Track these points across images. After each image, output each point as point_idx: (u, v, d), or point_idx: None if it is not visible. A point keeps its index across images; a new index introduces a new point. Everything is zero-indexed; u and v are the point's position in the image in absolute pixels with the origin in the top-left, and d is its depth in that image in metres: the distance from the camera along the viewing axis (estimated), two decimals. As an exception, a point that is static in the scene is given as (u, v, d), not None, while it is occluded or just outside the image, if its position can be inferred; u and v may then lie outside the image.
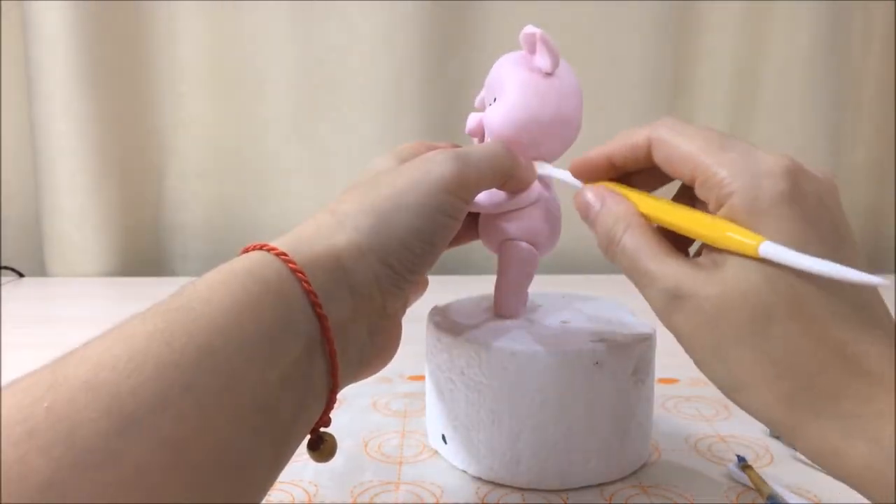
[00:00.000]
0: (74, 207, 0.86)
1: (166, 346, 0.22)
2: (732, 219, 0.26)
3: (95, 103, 0.84)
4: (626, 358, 0.37)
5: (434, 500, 0.37)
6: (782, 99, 0.91)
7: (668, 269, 0.27)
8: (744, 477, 0.38)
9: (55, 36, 0.81)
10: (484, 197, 0.37)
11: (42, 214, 0.87)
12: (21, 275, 0.88)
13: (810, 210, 0.25)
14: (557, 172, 0.36)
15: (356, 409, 0.47)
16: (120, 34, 0.86)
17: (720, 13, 0.90)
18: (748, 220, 0.25)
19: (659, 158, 0.29)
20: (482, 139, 0.38)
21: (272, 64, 0.88)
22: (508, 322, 0.40)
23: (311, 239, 0.29)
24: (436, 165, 0.31)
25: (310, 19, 0.86)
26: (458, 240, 0.39)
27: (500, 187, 0.36)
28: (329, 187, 0.89)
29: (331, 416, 0.29)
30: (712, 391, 0.51)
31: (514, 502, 0.37)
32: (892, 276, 0.68)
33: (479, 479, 0.39)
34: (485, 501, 0.37)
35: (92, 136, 0.85)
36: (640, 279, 0.28)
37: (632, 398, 0.38)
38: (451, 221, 0.32)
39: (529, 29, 0.36)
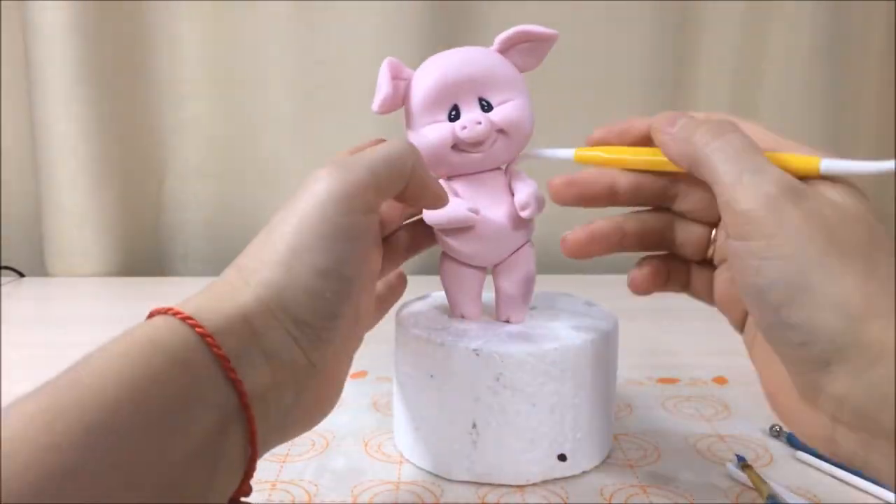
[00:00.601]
0: (75, 207, 0.86)
1: (46, 427, 0.20)
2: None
3: (96, 103, 0.84)
4: (586, 356, 0.38)
5: (434, 500, 0.37)
6: (782, 99, 0.91)
7: (779, 170, 0.27)
8: (744, 477, 0.38)
9: (55, 36, 0.81)
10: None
11: (42, 214, 0.87)
12: (21, 275, 0.88)
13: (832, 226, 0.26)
14: (557, 153, 0.36)
15: (356, 409, 0.47)
16: (120, 34, 0.86)
17: (720, 13, 0.90)
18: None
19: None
20: (482, 144, 0.37)
21: (272, 64, 0.88)
22: (473, 323, 0.40)
23: (220, 300, 0.27)
24: (316, 183, 0.29)
25: (310, 19, 0.86)
26: (414, 248, 0.39)
27: (402, 199, 0.32)
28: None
29: (251, 484, 0.27)
30: (712, 391, 0.51)
31: (514, 502, 0.37)
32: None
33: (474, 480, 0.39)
34: (485, 501, 0.37)
35: (92, 137, 0.85)
36: (751, 165, 0.27)
37: (592, 393, 0.39)
38: (358, 245, 0.29)
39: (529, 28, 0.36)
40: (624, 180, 0.34)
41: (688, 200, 0.33)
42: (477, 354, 0.37)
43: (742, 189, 0.27)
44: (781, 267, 0.26)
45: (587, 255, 0.34)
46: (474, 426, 0.37)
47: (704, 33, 0.91)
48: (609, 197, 0.34)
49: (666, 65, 0.91)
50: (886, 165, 0.27)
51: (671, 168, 0.32)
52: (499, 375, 0.37)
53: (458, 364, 0.37)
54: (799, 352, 0.26)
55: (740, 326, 0.32)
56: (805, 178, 0.28)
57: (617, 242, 0.34)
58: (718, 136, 0.29)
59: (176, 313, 0.25)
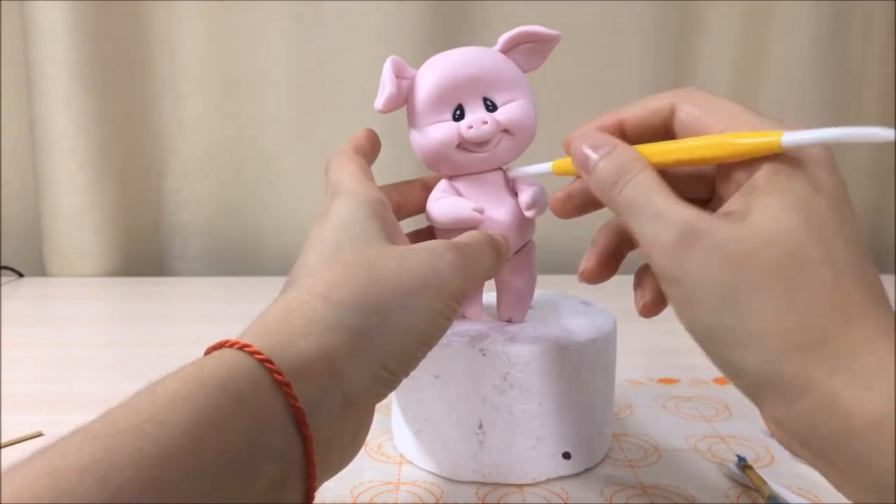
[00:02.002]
0: (74, 207, 0.86)
1: (100, 484, 0.19)
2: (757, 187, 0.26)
3: (95, 103, 0.84)
4: (589, 354, 0.38)
5: (434, 501, 0.37)
6: (782, 99, 0.91)
7: (682, 207, 0.26)
8: (744, 477, 0.38)
9: (55, 36, 0.81)
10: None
11: (42, 214, 0.87)
12: (21, 275, 0.88)
13: (835, 200, 0.25)
14: (535, 169, 0.36)
15: (356, 409, 0.47)
16: (120, 34, 0.86)
17: (720, 13, 0.90)
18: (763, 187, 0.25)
19: (680, 128, 0.28)
20: (487, 144, 0.36)
21: (272, 64, 0.88)
22: (475, 323, 0.40)
23: (301, 334, 0.25)
24: (445, 266, 0.29)
25: (310, 19, 0.86)
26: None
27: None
28: (329, 187, 0.89)
29: None
30: (712, 391, 0.51)
31: (514, 502, 0.37)
32: (892, 277, 0.68)
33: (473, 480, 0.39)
34: (485, 501, 0.37)
35: (92, 136, 0.85)
36: (647, 214, 0.26)
37: (594, 392, 0.39)
38: (448, 325, 0.29)
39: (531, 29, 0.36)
40: None
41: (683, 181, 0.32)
42: (484, 354, 0.37)
43: (644, 242, 0.27)
44: (694, 312, 0.25)
45: (605, 279, 0.34)
46: (481, 426, 0.37)
47: (704, 34, 0.91)
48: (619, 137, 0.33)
49: (666, 65, 0.91)
50: (851, 132, 0.24)
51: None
52: (506, 375, 0.37)
53: (465, 364, 0.37)
54: (737, 382, 0.26)
55: None
56: (768, 154, 0.26)
57: (621, 253, 0.34)
58: (622, 184, 0.27)
59: (253, 352, 0.24)
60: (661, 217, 0.26)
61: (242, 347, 0.24)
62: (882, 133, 0.23)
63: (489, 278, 0.35)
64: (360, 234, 0.29)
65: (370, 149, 0.36)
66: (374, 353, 0.26)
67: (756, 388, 0.25)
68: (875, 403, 0.22)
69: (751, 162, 0.26)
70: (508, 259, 0.37)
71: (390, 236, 0.30)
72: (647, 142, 0.29)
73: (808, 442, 0.24)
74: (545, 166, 0.35)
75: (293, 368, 0.24)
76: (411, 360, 0.28)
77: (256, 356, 0.23)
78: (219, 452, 0.21)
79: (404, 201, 0.38)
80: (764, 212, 0.25)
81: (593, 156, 0.29)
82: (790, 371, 0.23)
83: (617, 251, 0.33)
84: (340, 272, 0.27)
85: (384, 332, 0.26)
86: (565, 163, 0.33)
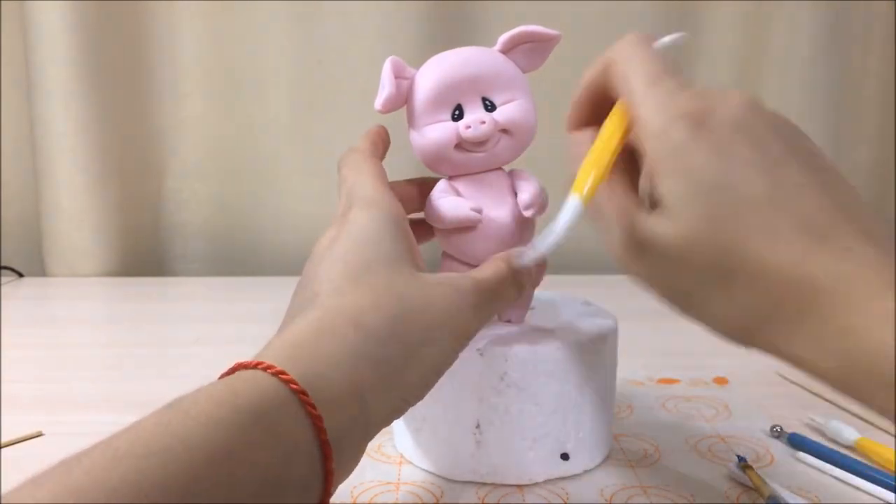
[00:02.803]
0: (74, 207, 0.86)
1: None
2: (651, 165, 0.27)
3: (95, 103, 0.84)
4: (588, 355, 0.38)
5: (434, 501, 0.37)
6: (782, 98, 0.91)
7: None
8: (744, 477, 0.38)
9: (55, 36, 0.81)
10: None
11: (42, 214, 0.87)
12: (21, 275, 0.88)
13: (721, 144, 0.26)
14: (561, 225, 0.31)
15: (356, 410, 0.47)
16: (120, 34, 0.86)
17: (720, 13, 0.90)
18: (656, 168, 0.27)
19: (609, 86, 0.30)
20: (485, 144, 0.36)
21: (272, 64, 0.88)
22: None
23: (333, 364, 0.25)
24: (468, 308, 0.30)
25: (310, 19, 0.86)
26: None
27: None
28: (329, 187, 0.88)
29: None
30: (712, 391, 0.51)
31: (514, 502, 0.37)
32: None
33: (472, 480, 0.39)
34: (485, 501, 0.37)
35: (92, 137, 0.85)
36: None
37: (593, 392, 0.39)
38: (456, 357, 0.30)
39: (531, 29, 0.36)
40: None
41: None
42: (481, 354, 0.37)
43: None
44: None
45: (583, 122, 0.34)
46: (478, 426, 0.37)
47: (704, 34, 0.91)
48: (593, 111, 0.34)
49: (666, 65, 0.91)
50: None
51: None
52: (503, 375, 0.37)
53: (462, 364, 0.37)
54: None
55: None
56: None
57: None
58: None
59: (288, 380, 0.24)
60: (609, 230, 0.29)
61: (278, 374, 0.24)
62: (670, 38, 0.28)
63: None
64: (388, 257, 0.29)
65: (383, 148, 0.36)
66: (397, 385, 0.27)
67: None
68: (829, 363, 0.23)
69: (644, 139, 0.28)
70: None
71: (414, 259, 0.31)
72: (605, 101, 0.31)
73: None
74: (574, 204, 0.31)
75: (324, 401, 0.24)
76: (426, 392, 0.29)
77: (292, 386, 0.23)
78: (247, 482, 0.21)
79: (401, 201, 0.38)
80: (671, 209, 0.26)
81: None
82: (741, 339, 0.26)
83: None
84: (370, 298, 0.28)
85: (408, 365, 0.27)
86: (586, 184, 0.30)
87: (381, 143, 0.36)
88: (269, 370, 0.24)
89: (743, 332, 0.26)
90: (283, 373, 0.24)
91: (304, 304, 0.28)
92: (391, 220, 0.31)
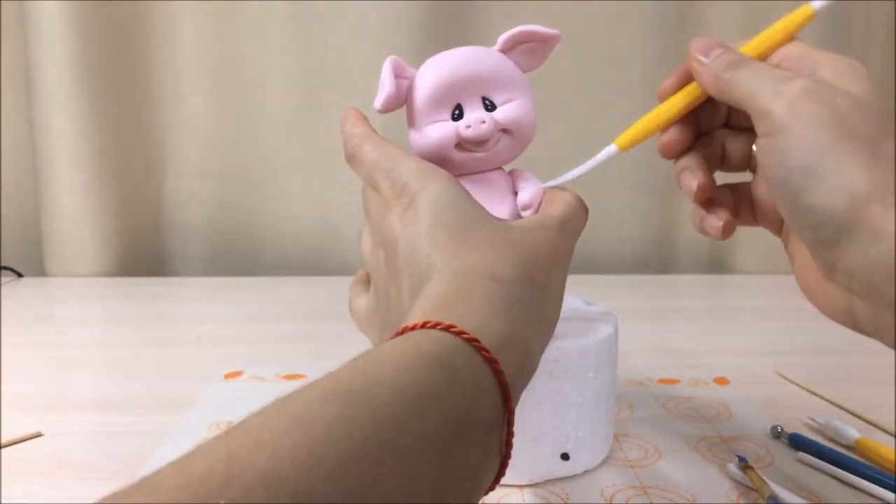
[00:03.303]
0: (74, 207, 0.86)
1: (348, 437, 0.20)
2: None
3: (95, 103, 0.84)
4: (588, 355, 0.38)
5: (434, 501, 0.37)
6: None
7: (794, 75, 0.30)
8: (744, 477, 0.38)
9: (55, 36, 0.81)
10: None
11: (42, 214, 0.87)
12: (20, 275, 0.88)
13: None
14: (600, 157, 0.37)
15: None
16: (120, 34, 0.86)
17: (720, 14, 0.90)
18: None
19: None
20: (486, 143, 0.36)
21: (272, 64, 0.88)
22: None
23: (490, 314, 0.27)
24: (563, 243, 0.32)
25: (310, 19, 0.86)
26: None
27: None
28: (329, 187, 0.89)
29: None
30: (712, 391, 0.51)
31: (514, 502, 0.37)
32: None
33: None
34: (485, 501, 0.37)
35: (92, 136, 0.85)
36: (771, 77, 0.30)
37: (593, 392, 0.39)
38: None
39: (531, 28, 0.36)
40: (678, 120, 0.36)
41: (735, 113, 0.37)
42: None
43: (765, 95, 0.30)
44: (798, 155, 0.28)
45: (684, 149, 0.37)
46: None
47: (704, 34, 0.91)
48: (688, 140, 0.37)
49: (666, 65, 0.90)
50: None
51: (702, 99, 0.35)
52: None
53: None
54: (815, 233, 0.28)
55: (778, 231, 0.35)
56: (804, 25, 0.33)
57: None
58: (741, 68, 0.32)
59: (459, 332, 0.25)
60: (784, 79, 0.30)
61: (447, 328, 0.25)
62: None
63: None
64: (479, 216, 0.31)
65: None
66: (543, 324, 0.29)
67: (839, 233, 0.27)
68: None
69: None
70: None
71: (492, 214, 0.32)
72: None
73: (879, 287, 0.27)
74: (610, 149, 0.36)
75: (496, 347, 0.25)
76: (554, 330, 0.31)
77: (463, 336, 0.25)
78: (441, 420, 0.22)
79: None
80: (857, 81, 0.30)
81: (705, 59, 0.33)
82: (873, 216, 0.26)
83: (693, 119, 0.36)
84: (489, 252, 0.29)
85: (546, 303, 0.30)
86: (629, 134, 0.36)
87: (368, 123, 0.37)
88: (437, 327, 0.25)
89: (865, 194, 0.27)
90: (451, 326, 0.25)
91: (421, 280, 0.29)
92: (455, 184, 0.32)
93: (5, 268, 0.87)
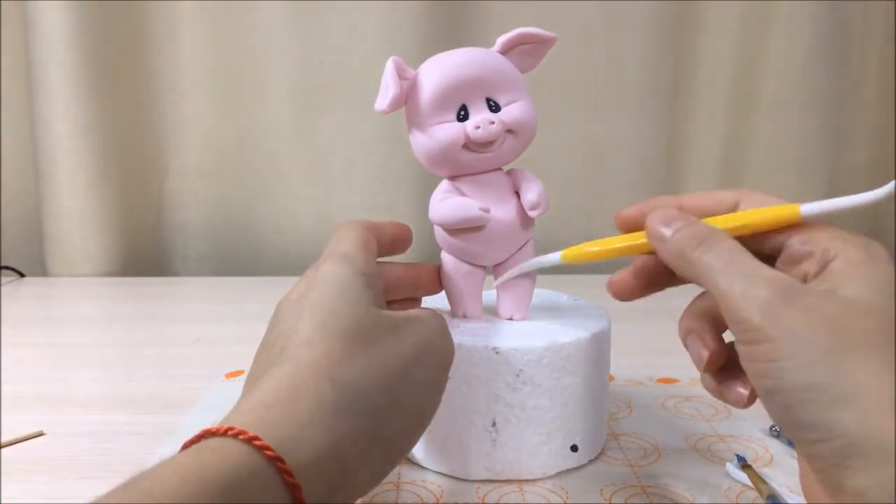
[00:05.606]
0: (75, 207, 0.86)
1: None
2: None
3: (96, 103, 0.84)
4: (592, 349, 0.39)
5: (434, 500, 0.37)
6: (782, 99, 0.91)
7: (775, 270, 0.27)
8: (744, 477, 0.38)
9: (55, 36, 0.81)
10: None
11: (43, 214, 0.87)
12: (21, 275, 0.88)
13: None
14: (546, 259, 0.37)
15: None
16: (120, 34, 0.86)
17: (720, 13, 0.90)
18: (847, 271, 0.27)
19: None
20: (493, 144, 0.36)
21: (272, 64, 0.88)
22: (478, 321, 0.40)
23: (310, 422, 0.23)
24: (436, 336, 0.29)
25: (310, 19, 0.86)
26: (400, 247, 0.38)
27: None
28: (329, 187, 0.89)
29: None
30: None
31: (514, 502, 0.37)
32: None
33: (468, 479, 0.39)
34: (485, 501, 0.37)
35: (92, 136, 0.85)
36: (740, 272, 0.27)
37: (595, 386, 0.40)
38: (440, 399, 0.29)
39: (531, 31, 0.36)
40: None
41: None
42: (497, 353, 0.37)
43: (736, 298, 0.26)
44: (786, 369, 0.25)
45: (636, 297, 0.33)
46: (494, 424, 0.38)
47: (704, 34, 0.91)
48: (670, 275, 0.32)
49: (666, 65, 0.91)
50: (866, 197, 0.27)
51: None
52: (519, 372, 0.37)
53: (477, 363, 0.37)
54: (816, 448, 0.24)
55: None
56: (789, 226, 0.29)
57: (665, 278, 0.33)
58: (710, 247, 0.28)
59: (262, 446, 0.22)
60: (757, 275, 0.26)
61: (250, 440, 0.22)
62: (881, 192, 0.27)
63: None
64: (355, 301, 0.28)
65: (389, 240, 0.36)
66: (381, 441, 0.26)
67: (845, 449, 0.23)
68: None
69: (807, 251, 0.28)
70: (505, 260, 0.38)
71: (382, 305, 0.30)
72: None
73: None
74: (554, 256, 0.35)
75: (303, 466, 0.22)
76: (410, 446, 0.28)
77: (266, 452, 0.22)
78: None
79: (418, 281, 0.38)
80: (857, 290, 0.26)
81: (667, 231, 0.30)
82: (886, 430, 0.22)
83: (654, 275, 0.33)
84: (341, 348, 0.26)
85: (391, 415, 0.26)
86: (577, 250, 0.34)
87: (389, 235, 0.35)
88: (240, 436, 0.22)
89: (875, 407, 0.23)
90: (255, 438, 0.22)
91: (272, 360, 0.27)
92: (361, 274, 0.30)
93: (6, 267, 0.87)
